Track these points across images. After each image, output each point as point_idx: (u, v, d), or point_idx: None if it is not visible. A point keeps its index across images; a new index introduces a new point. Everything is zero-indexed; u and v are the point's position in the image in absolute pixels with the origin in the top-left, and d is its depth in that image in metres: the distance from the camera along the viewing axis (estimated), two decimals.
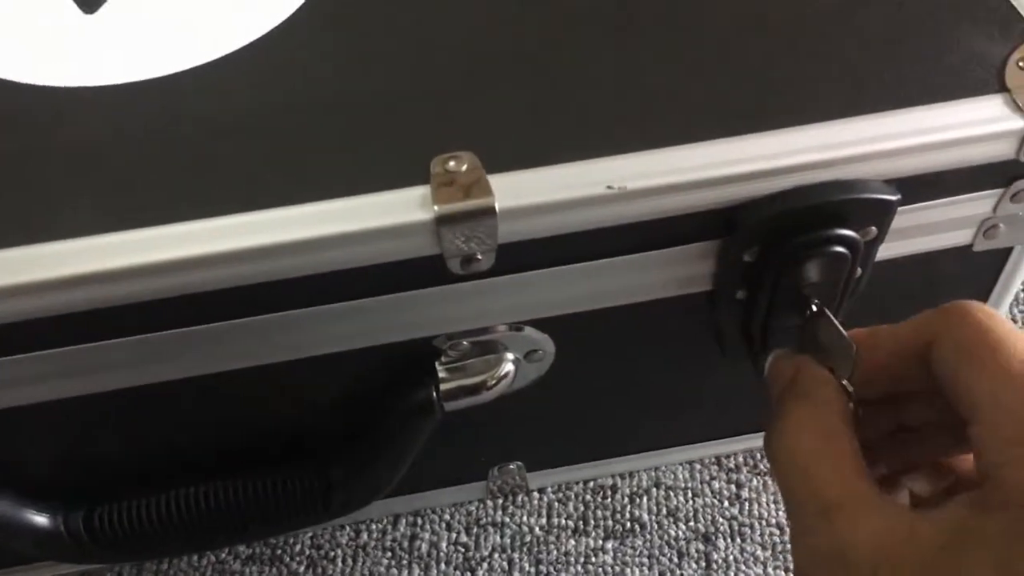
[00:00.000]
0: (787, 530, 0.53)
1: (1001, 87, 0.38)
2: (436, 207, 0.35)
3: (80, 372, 0.39)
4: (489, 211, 0.35)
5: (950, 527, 0.26)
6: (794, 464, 0.30)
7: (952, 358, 0.29)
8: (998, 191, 0.40)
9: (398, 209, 0.35)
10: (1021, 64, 0.39)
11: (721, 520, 0.54)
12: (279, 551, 0.53)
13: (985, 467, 0.27)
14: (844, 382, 0.33)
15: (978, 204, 0.41)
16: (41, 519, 0.43)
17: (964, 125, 0.37)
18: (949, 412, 0.30)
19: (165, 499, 0.44)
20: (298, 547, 0.54)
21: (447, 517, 0.54)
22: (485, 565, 0.53)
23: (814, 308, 0.40)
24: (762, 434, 0.55)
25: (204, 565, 0.53)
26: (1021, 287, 0.64)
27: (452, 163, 0.36)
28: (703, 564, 0.52)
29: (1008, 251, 0.45)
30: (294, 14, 0.44)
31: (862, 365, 0.33)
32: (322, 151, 0.38)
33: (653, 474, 0.56)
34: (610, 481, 0.55)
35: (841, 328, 0.36)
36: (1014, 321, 0.62)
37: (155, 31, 0.44)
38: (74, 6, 0.45)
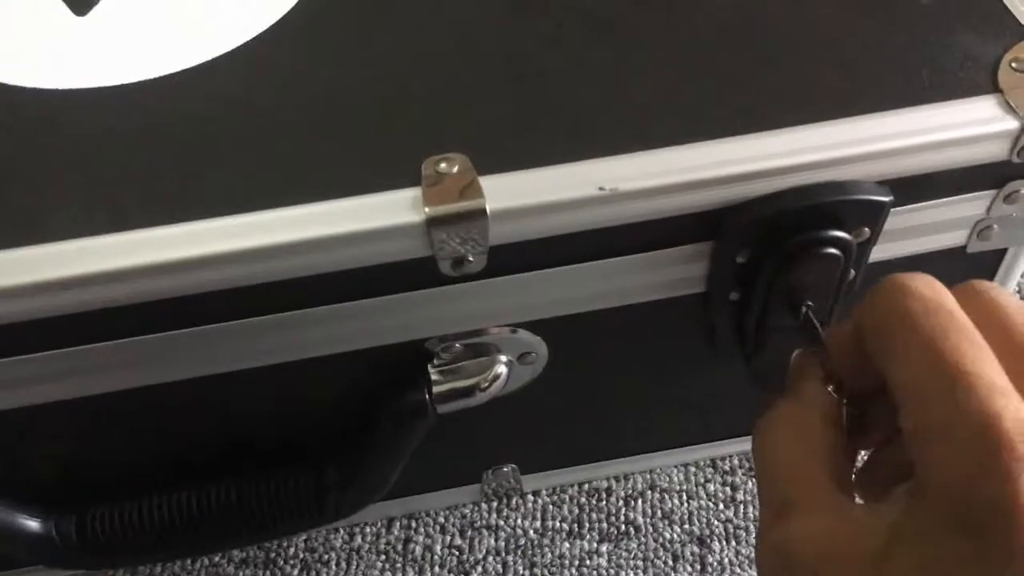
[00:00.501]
0: None
1: (994, 88, 0.38)
2: (427, 209, 0.35)
3: (72, 375, 0.38)
4: (480, 213, 0.35)
5: (887, 523, 0.26)
6: (763, 460, 0.30)
7: (873, 345, 0.28)
8: (992, 192, 0.40)
9: (389, 211, 0.35)
10: (1014, 65, 0.39)
11: (716, 523, 0.54)
12: (273, 554, 0.53)
13: (912, 456, 0.26)
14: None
15: (972, 205, 0.41)
16: (32, 524, 0.43)
17: (957, 126, 0.37)
18: None
19: (158, 503, 0.43)
20: (292, 550, 0.53)
21: (441, 520, 0.54)
22: (479, 568, 0.52)
23: (805, 311, 0.40)
24: None
25: (197, 569, 0.53)
26: (1016, 288, 0.64)
27: (443, 164, 0.36)
28: (698, 567, 0.52)
29: (1002, 252, 0.45)
30: (285, 16, 0.44)
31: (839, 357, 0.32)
32: (313, 153, 0.38)
33: (648, 476, 0.55)
34: (605, 484, 0.55)
35: (821, 332, 0.36)
36: None
37: (146, 33, 0.44)
38: (65, 8, 0.45)
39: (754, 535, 0.53)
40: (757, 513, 0.53)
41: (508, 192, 0.35)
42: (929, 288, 0.28)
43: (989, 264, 0.45)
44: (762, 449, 0.31)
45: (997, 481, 0.23)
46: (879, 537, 0.25)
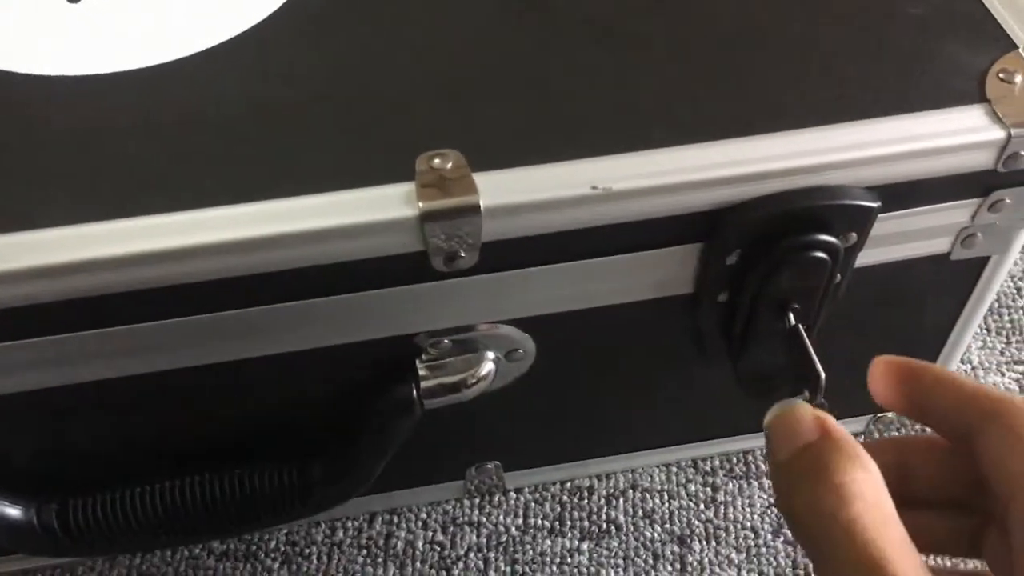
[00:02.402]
0: (761, 534, 0.53)
1: (982, 98, 0.39)
2: (420, 204, 0.35)
3: (55, 363, 0.38)
4: (474, 209, 0.35)
5: None
6: (859, 545, 0.27)
7: (1011, 444, 0.28)
8: (976, 200, 0.41)
9: (382, 205, 0.35)
10: (1001, 76, 0.39)
11: (696, 523, 0.54)
12: (254, 547, 0.53)
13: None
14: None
15: (956, 213, 0.41)
16: (13, 511, 0.43)
17: (945, 134, 0.38)
18: (965, 514, 0.31)
19: (140, 493, 0.43)
20: (273, 543, 0.53)
21: (423, 516, 0.54)
22: (461, 564, 0.53)
23: (791, 321, 0.40)
24: (738, 438, 0.55)
25: (178, 560, 0.53)
26: (996, 296, 0.65)
27: (437, 160, 0.36)
28: (678, 566, 0.52)
29: (985, 260, 0.45)
30: (281, 7, 0.44)
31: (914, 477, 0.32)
32: (307, 146, 0.38)
33: (630, 476, 0.56)
34: (587, 482, 0.56)
35: (812, 353, 0.36)
36: (988, 331, 0.63)
37: (140, 22, 0.44)
38: None
39: (733, 535, 0.53)
40: (737, 513, 0.54)
41: (501, 189, 0.36)
42: None
43: (972, 272, 0.46)
44: (853, 532, 0.27)
45: None
46: None
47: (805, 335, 0.40)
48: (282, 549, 0.53)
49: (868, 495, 0.27)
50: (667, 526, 0.54)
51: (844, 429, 0.30)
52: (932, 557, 0.44)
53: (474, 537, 0.54)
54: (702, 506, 0.55)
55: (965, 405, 0.30)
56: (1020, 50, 0.41)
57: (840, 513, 0.27)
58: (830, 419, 0.30)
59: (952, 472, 0.32)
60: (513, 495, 0.55)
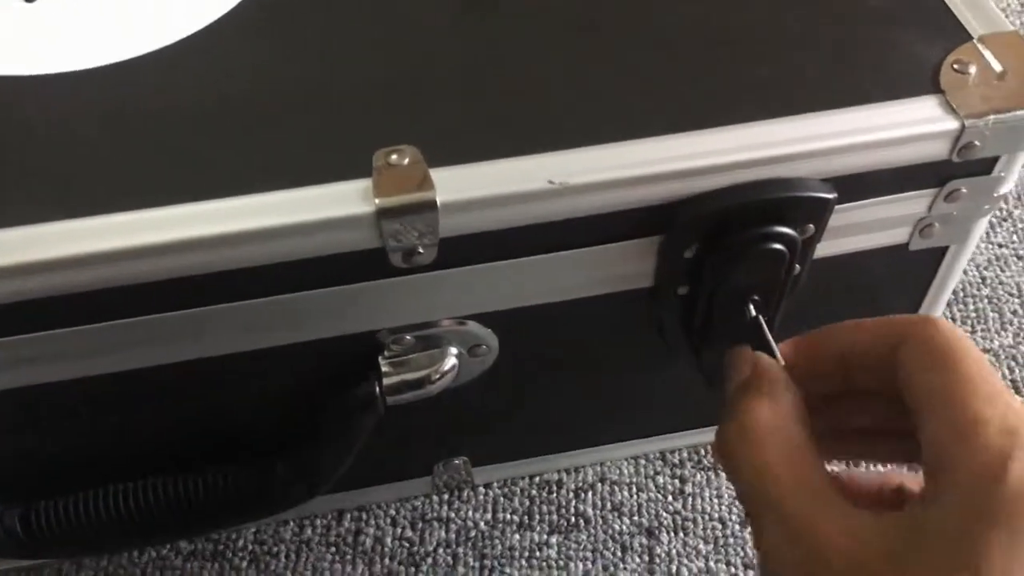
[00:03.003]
0: (729, 524, 0.54)
1: (936, 89, 0.39)
2: (377, 200, 0.35)
3: (16, 364, 0.38)
4: (430, 204, 0.35)
5: (908, 523, 0.27)
6: (758, 473, 0.30)
7: (918, 359, 0.30)
8: (933, 191, 0.41)
9: (339, 201, 0.35)
10: (956, 66, 0.40)
11: (664, 514, 0.54)
12: (221, 547, 0.53)
13: (935, 459, 0.28)
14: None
15: (913, 203, 0.42)
16: None
17: (899, 125, 0.38)
18: (894, 418, 0.31)
19: (104, 495, 0.43)
20: (241, 543, 0.53)
21: (392, 512, 0.54)
22: (430, 560, 0.53)
23: (752, 313, 0.41)
24: (706, 429, 0.56)
25: (144, 562, 0.52)
26: (960, 286, 0.65)
27: (394, 156, 0.36)
28: (646, 558, 0.53)
29: (944, 250, 0.46)
30: (238, 5, 0.44)
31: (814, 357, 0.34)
32: (263, 143, 0.38)
33: (598, 469, 0.56)
34: (555, 476, 0.56)
35: (772, 341, 0.37)
36: (953, 320, 0.63)
37: (95, 21, 0.44)
38: None
39: (701, 526, 0.53)
40: (705, 505, 0.54)
41: (458, 184, 0.36)
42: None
43: (931, 262, 0.46)
44: (756, 460, 0.31)
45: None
46: (897, 539, 0.27)
47: (765, 326, 0.40)
48: (250, 548, 0.53)
49: (768, 425, 0.31)
50: (635, 518, 0.54)
51: (772, 362, 0.34)
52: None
53: (443, 533, 0.54)
54: (670, 498, 0.55)
55: (879, 337, 0.32)
56: (974, 41, 0.41)
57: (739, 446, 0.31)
58: (763, 357, 0.35)
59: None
60: (482, 490, 0.55)
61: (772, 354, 0.38)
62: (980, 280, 0.66)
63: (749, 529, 0.53)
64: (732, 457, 0.31)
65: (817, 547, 0.28)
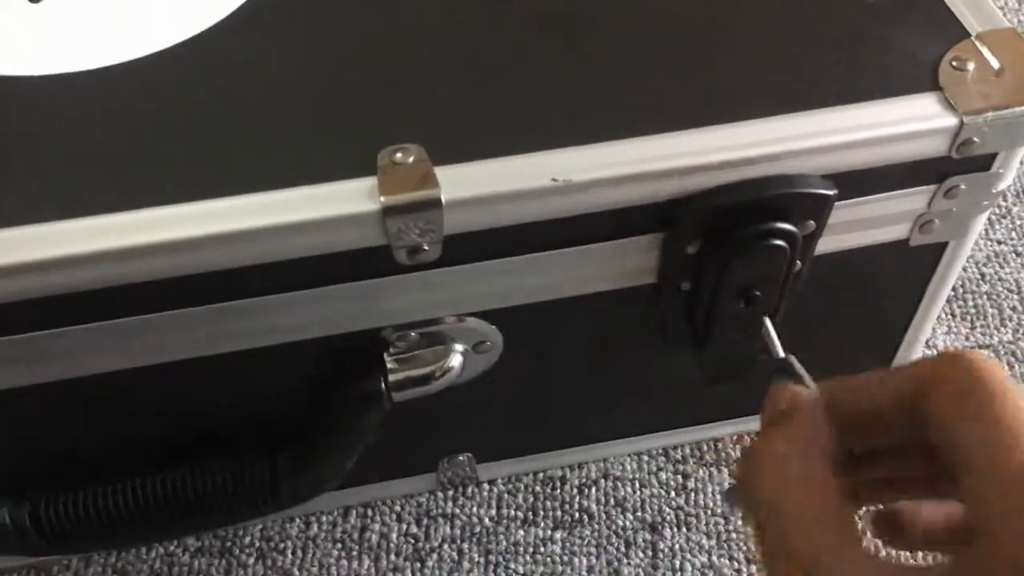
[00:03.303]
0: (731, 520, 0.54)
1: (935, 86, 0.40)
2: (383, 198, 0.35)
3: (21, 363, 0.38)
4: (435, 202, 0.35)
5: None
6: (780, 504, 0.28)
7: (951, 408, 0.27)
8: (932, 187, 0.42)
9: (345, 199, 0.36)
10: (954, 64, 0.40)
11: (668, 510, 0.55)
12: (228, 543, 0.53)
13: (975, 519, 0.26)
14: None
15: (913, 200, 0.42)
16: None
17: (899, 122, 0.38)
18: (928, 465, 0.30)
19: (112, 491, 0.43)
20: (248, 539, 0.53)
21: (397, 508, 0.55)
22: (435, 556, 0.53)
23: (752, 310, 0.41)
24: (708, 426, 0.56)
25: (153, 558, 0.53)
26: (960, 282, 0.66)
27: (399, 155, 0.37)
28: (650, 553, 0.53)
29: (943, 245, 0.46)
30: (242, 5, 0.44)
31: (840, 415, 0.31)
32: (268, 142, 0.38)
33: (602, 465, 0.56)
34: (559, 472, 0.56)
35: (776, 339, 0.36)
36: (952, 316, 0.64)
37: (100, 21, 0.44)
38: None
39: (704, 522, 0.54)
40: (707, 500, 0.55)
41: (463, 182, 0.36)
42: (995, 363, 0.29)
43: (931, 257, 0.47)
44: (772, 487, 0.29)
45: None
46: None
47: (768, 322, 0.41)
48: (257, 544, 0.53)
49: (784, 458, 0.29)
50: (639, 514, 0.54)
51: (808, 395, 0.31)
52: None
53: (448, 529, 0.54)
54: (673, 493, 0.55)
55: (899, 393, 0.29)
56: (973, 38, 0.41)
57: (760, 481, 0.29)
58: (802, 392, 0.32)
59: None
60: (486, 487, 0.56)
61: (775, 352, 0.38)
62: (979, 276, 0.66)
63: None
64: (749, 490, 0.30)
65: None
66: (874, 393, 0.30)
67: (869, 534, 0.34)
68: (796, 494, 0.28)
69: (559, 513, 0.55)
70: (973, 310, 0.64)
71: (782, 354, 0.36)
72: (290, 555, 0.53)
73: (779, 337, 0.41)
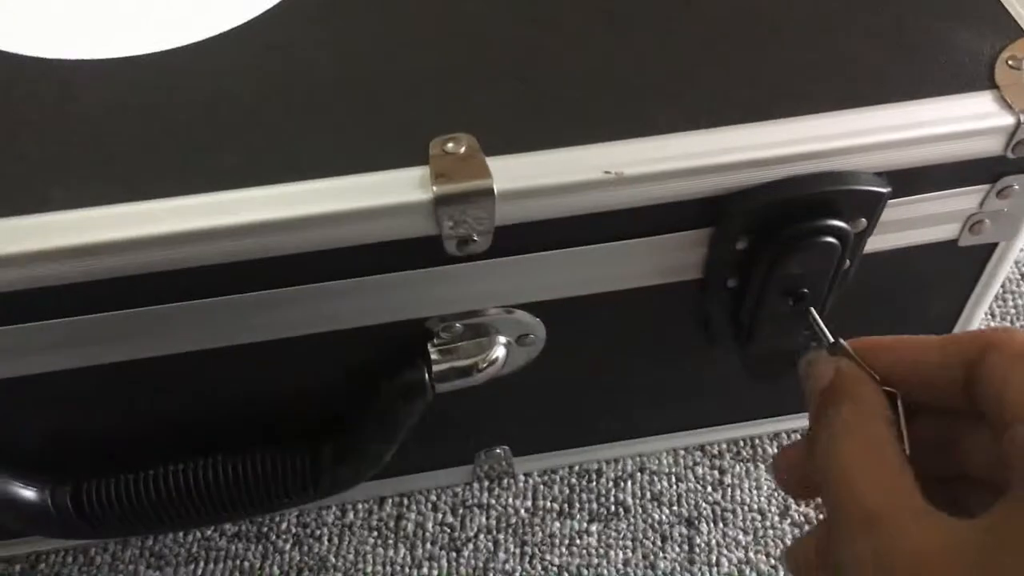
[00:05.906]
0: (768, 515, 0.54)
1: (991, 84, 0.39)
2: (434, 188, 0.35)
3: (70, 345, 0.39)
4: (487, 193, 0.35)
5: (986, 526, 0.26)
6: (837, 471, 0.30)
7: (1003, 365, 0.28)
8: (985, 187, 0.41)
9: (396, 189, 0.36)
10: (1010, 62, 0.40)
11: (704, 505, 0.54)
12: (265, 528, 0.54)
13: (1013, 465, 0.27)
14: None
15: (965, 199, 0.42)
16: (28, 493, 0.43)
17: (954, 120, 0.38)
18: (974, 431, 0.30)
19: (153, 476, 0.44)
20: (284, 525, 0.54)
21: (433, 498, 0.55)
22: (471, 545, 0.53)
23: (799, 301, 0.40)
24: (746, 424, 0.56)
25: (190, 542, 0.53)
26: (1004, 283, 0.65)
27: (451, 144, 0.37)
28: (686, 547, 0.53)
29: (993, 246, 0.45)
30: None
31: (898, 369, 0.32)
32: (321, 130, 0.38)
33: (638, 459, 0.56)
34: (595, 465, 0.56)
35: (826, 330, 0.36)
36: (992, 316, 0.63)
37: (153, 7, 0.44)
38: None
39: (740, 517, 0.54)
40: (744, 496, 0.54)
41: (514, 173, 0.36)
42: None
43: (979, 258, 0.46)
44: (832, 459, 0.30)
45: None
46: (975, 543, 0.26)
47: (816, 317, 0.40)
48: (293, 531, 0.54)
49: (853, 427, 0.30)
50: (675, 508, 0.54)
51: (851, 365, 0.32)
52: None
53: (484, 519, 0.54)
54: (709, 488, 0.55)
55: (949, 354, 0.30)
56: None
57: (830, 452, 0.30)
58: (843, 361, 0.32)
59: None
60: (522, 478, 0.56)
61: (825, 336, 0.37)
62: (1020, 276, 0.65)
63: (788, 521, 0.53)
64: (819, 467, 0.30)
65: (901, 550, 0.27)
66: (913, 357, 0.31)
67: None
68: (855, 454, 0.29)
69: (595, 506, 0.55)
70: (1013, 311, 0.64)
71: (831, 339, 0.36)
72: (326, 542, 0.53)
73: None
